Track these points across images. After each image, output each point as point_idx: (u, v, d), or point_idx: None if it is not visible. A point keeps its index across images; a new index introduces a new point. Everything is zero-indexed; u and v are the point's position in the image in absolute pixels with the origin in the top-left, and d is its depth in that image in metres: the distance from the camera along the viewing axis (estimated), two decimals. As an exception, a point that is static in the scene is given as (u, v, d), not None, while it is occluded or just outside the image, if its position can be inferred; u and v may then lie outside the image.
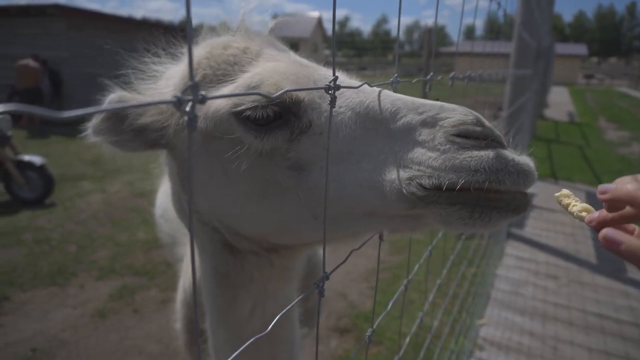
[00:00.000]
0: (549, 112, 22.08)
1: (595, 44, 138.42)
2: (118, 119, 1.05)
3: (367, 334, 1.14)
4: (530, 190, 0.79)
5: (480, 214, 0.80)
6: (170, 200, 2.69)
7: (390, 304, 1.37)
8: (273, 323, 0.80)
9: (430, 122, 0.83)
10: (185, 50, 1.14)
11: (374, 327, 1.17)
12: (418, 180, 0.80)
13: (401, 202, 0.83)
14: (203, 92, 0.48)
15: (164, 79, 1.13)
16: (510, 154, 0.81)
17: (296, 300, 0.94)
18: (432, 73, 1.24)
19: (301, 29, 61.69)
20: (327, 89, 0.78)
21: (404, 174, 0.82)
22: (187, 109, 0.47)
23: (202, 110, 0.96)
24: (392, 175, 0.83)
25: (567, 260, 5.73)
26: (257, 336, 0.77)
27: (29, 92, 14.51)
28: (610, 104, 28.01)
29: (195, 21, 1.17)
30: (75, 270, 5.34)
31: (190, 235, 0.54)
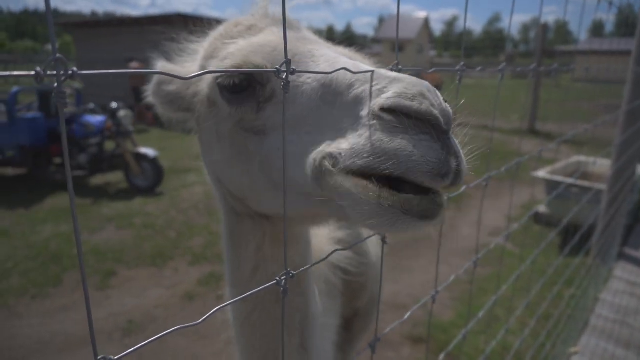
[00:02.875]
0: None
1: None
2: (159, 84, 1.24)
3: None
4: None
5: (380, 214, 0.74)
6: None
7: (408, 314, 1.29)
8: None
9: (376, 94, 0.80)
10: (210, 30, 1.28)
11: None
12: (330, 159, 0.80)
13: (314, 178, 0.83)
14: (74, 68, 0.49)
15: (193, 53, 1.30)
16: (434, 144, 0.73)
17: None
18: (462, 63, 1.13)
19: (407, 30, 60.71)
20: (277, 72, 0.76)
21: (328, 148, 0.82)
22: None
23: (205, 79, 1.09)
24: (320, 147, 0.83)
25: (695, 291, 4.88)
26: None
27: (137, 90, 16.54)
28: None
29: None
30: (172, 255, 5.86)
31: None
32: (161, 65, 1.25)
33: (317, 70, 0.91)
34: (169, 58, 1.31)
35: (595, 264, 5.09)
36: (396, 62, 0.95)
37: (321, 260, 1.07)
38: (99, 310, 4.60)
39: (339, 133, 0.82)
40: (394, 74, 0.83)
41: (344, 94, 0.85)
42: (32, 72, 0.47)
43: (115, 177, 9.23)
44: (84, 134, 8.36)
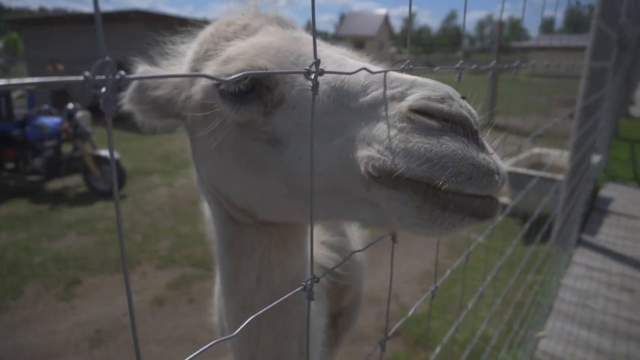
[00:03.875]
0: (635, 110, 20.19)
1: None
2: (142, 89, 1.15)
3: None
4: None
5: (430, 214, 0.72)
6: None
7: (412, 311, 1.30)
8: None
9: (399, 97, 0.78)
10: (197, 30, 1.21)
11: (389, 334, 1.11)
12: (372, 161, 0.75)
13: (361, 181, 0.79)
14: (122, 72, 0.47)
15: (179, 56, 1.23)
16: (471, 150, 0.71)
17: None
18: (461, 61, 1.15)
19: (368, 27, 61.39)
20: (307, 73, 0.73)
21: (365, 152, 0.77)
22: (104, 89, 0.46)
23: (200, 82, 1.02)
24: (355, 153, 0.79)
25: (647, 273, 5.19)
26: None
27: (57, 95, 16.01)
28: None
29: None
30: (139, 259, 5.68)
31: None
32: (143, 69, 1.16)
33: (327, 69, 0.88)
34: (151, 61, 1.22)
35: (556, 250, 5.31)
36: (407, 60, 0.95)
37: (345, 260, 1.06)
38: (64, 320, 4.41)
39: (367, 138, 0.78)
40: (412, 77, 0.81)
41: (359, 96, 0.82)
42: (81, 78, 0.44)
43: (74, 181, 8.86)
44: (38, 137, 7.96)
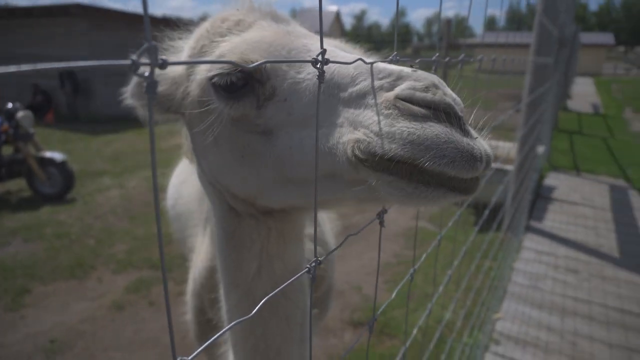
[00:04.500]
0: (572, 104, 21.52)
1: (622, 33, 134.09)
2: (143, 86, 1.15)
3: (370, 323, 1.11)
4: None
5: (414, 190, 0.77)
6: (181, 190, 2.70)
7: (395, 293, 1.35)
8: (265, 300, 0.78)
9: (387, 87, 0.82)
10: (193, 27, 1.22)
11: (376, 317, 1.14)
12: (359, 144, 0.79)
13: (350, 165, 0.82)
14: (164, 57, 0.47)
15: (177, 52, 1.23)
16: (455, 134, 0.74)
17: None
18: (437, 54, 1.20)
19: (318, 24, 61.43)
20: (314, 62, 0.76)
21: (352, 135, 0.81)
22: (146, 74, 0.47)
23: (197, 78, 1.03)
24: (343, 138, 0.83)
25: (589, 254, 5.58)
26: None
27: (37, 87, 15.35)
28: (638, 95, 27.12)
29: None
30: (93, 264, 5.44)
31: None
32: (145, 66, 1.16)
33: (306, 70, 0.91)
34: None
35: (507, 237, 5.60)
36: (394, 52, 0.99)
37: (341, 244, 1.08)
38: (13, 332, 4.16)
39: (355, 124, 0.82)
40: (399, 68, 0.85)
41: (348, 87, 0.86)
42: (129, 61, 0.45)
43: (17, 185, 8.33)
44: (-25, 139, 7.42)
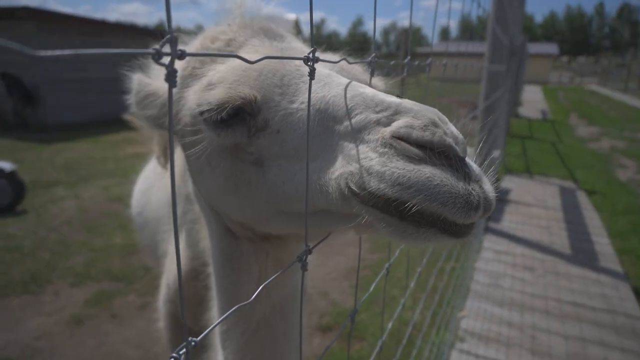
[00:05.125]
0: (522, 110, 22.58)
1: (565, 43, 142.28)
2: (138, 102, 1.16)
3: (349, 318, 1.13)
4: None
5: (406, 229, 0.75)
6: (149, 196, 2.64)
7: (373, 286, 1.39)
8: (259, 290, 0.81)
9: (384, 122, 0.79)
10: (188, 39, 1.20)
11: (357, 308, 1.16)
12: (352, 178, 0.77)
13: (342, 198, 0.80)
14: (182, 48, 0.48)
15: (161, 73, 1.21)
16: (450, 178, 0.71)
17: (280, 272, 0.93)
18: (409, 57, 1.26)
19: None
20: (305, 60, 0.77)
21: (346, 169, 0.79)
22: (167, 62, 0.48)
23: (186, 105, 1.01)
24: (337, 172, 0.80)
25: (543, 252, 5.86)
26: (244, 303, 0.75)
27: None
28: (581, 101, 28.83)
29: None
30: (49, 278, 5.19)
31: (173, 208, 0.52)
32: (137, 78, 1.14)
33: (304, 94, 0.89)
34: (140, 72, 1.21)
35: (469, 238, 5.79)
36: (373, 54, 1.01)
37: (322, 240, 1.07)
38: (-39, 353, 3.90)
39: (349, 158, 0.79)
40: (398, 100, 0.82)
41: (344, 120, 0.83)
42: (152, 50, 0.46)
43: (-40, 197, 7.82)
44: None
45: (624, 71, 42.70)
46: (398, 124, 0.76)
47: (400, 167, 0.72)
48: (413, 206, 0.70)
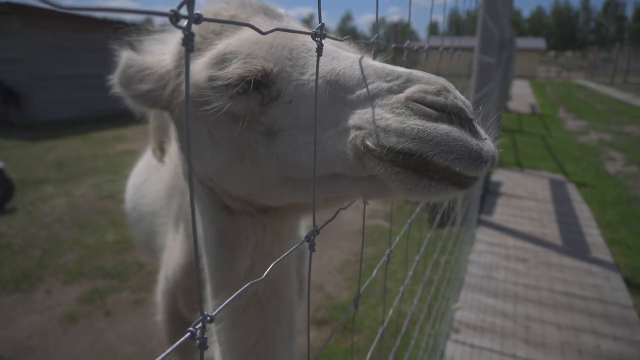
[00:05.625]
0: (512, 105, 22.76)
1: (552, 38, 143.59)
2: (128, 78, 1.11)
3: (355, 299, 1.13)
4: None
5: (418, 182, 0.79)
6: (143, 191, 2.62)
7: (375, 271, 1.39)
8: (268, 270, 0.83)
9: (396, 90, 0.83)
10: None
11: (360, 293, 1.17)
12: (368, 137, 0.80)
13: (356, 158, 0.83)
14: (199, 12, 0.47)
15: (162, 44, 1.18)
16: (464, 134, 0.77)
17: (291, 250, 0.94)
18: (408, 41, 1.26)
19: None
20: (313, 35, 0.78)
21: (360, 132, 0.82)
22: (184, 24, 0.48)
23: (192, 79, 0.98)
24: (351, 135, 0.83)
25: (535, 244, 5.93)
26: (254, 281, 0.74)
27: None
28: (568, 95, 29.12)
29: (158, 20, 1.21)
30: (41, 275, 5.13)
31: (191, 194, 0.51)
32: (127, 55, 1.10)
33: (313, 67, 0.91)
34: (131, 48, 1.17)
35: (461, 231, 5.83)
36: (376, 35, 1.01)
37: (331, 219, 1.08)
38: (-47, 352, 3.84)
39: (363, 122, 0.82)
40: (408, 70, 0.85)
41: (356, 89, 0.86)
42: (169, 11, 0.45)
43: (-53, 196, 7.69)
44: None
45: (610, 65, 43.25)
46: (412, 90, 0.80)
47: (419, 124, 0.77)
48: (432, 157, 0.75)
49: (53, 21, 16.00)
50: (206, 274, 1.31)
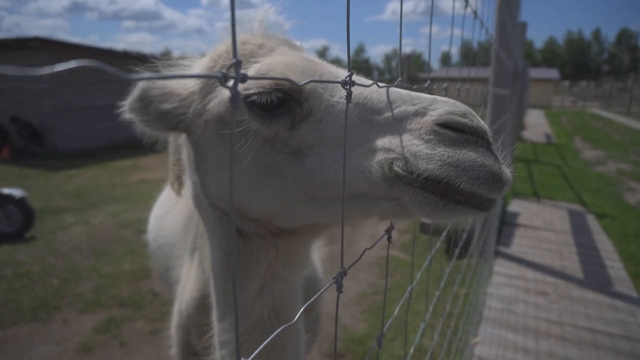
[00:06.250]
0: (526, 134, 22.67)
1: (566, 68, 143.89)
2: (146, 101, 1.14)
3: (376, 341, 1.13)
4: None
5: (444, 206, 0.83)
6: (163, 223, 2.65)
7: (397, 309, 1.38)
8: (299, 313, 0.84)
9: (422, 112, 0.88)
10: (199, 53, 1.25)
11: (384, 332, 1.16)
12: (397, 162, 0.84)
13: (384, 181, 0.87)
14: (244, 71, 0.51)
15: (188, 71, 1.23)
16: (488, 159, 0.83)
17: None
18: (428, 82, 1.29)
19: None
20: (343, 83, 0.83)
21: (389, 155, 0.86)
22: (230, 84, 0.51)
23: (218, 96, 1.04)
24: (378, 157, 0.88)
25: (555, 276, 5.79)
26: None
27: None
28: (584, 125, 28.93)
29: (176, 52, 1.27)
30: (58, 305, 5.16)
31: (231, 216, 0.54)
32: (144, 83, 1.15)
33: (343, 91, 0.96)
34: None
35: (479, 263, 5.74)
36: (400, 78, 1.05)
37: (357, 260, 1.08)
38: (-30, 382, 3.86)
39: (391, 145, 0.87)
40: (431, 96, 0.91)
41: (384, 112, 0.91)
42: (219, 74, 0.49)
43: (-30, 224, 7.86)
44: None
45: (625, 95, 43.02)
46: (439, 112, 0.86)
47: (448, 151, 0.82)
48: (461, 184, 0.80)
49: (78, 56, 16.65)
50: (213, 298, 1.32)
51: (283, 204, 1.05)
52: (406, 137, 0.86)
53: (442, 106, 0.87)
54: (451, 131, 0.83)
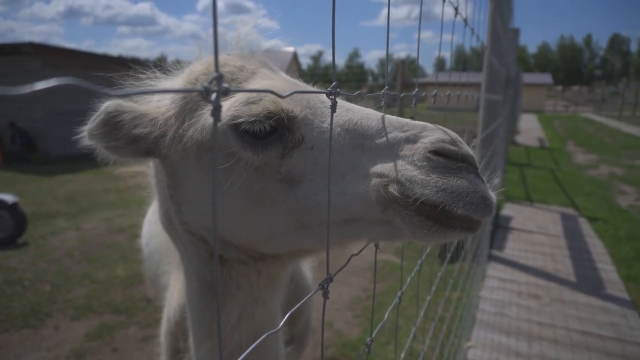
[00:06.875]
0: (520, 138, 22.81)
1: (559, 73, 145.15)
2: (114, 127, 1.06)
3: (367, 342, 1.13)
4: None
5: (437, 229, 0.87)
6: (155, 228, 2.65)
7: (387, 314, 1.38)
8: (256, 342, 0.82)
9: (412, 139, 0.90)
10: (176, 67, 1.20)
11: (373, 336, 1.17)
12: (393, 185, 0.87)
13: (378, 203, 0.89)
14: (226, 85, 0.52)
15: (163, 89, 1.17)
16: (478, 184, 0.86)
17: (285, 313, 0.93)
18: (386, 87, 1.31)
19: (277, 64, 62.56)
20: (328, 93, 0.85)
21: (383, 180, 0.88)
22: (213, 99, 0.52)
23: (200, 122, 1.00)
24: (372, 181, 0.89)
25: (548, 280, 5.82)
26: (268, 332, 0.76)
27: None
28: (577, 129, 29.15)
29: (171, 57, 1.25)
30: (50, 311, 5.12)
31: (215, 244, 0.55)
32: (115, 103, 1.06)
33: (335, 114, 0.96)
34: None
35: (471, 266, 5.76)
36: (385, 87, 1.06)
37: (343, 266, 1.08)
38: (-41, 390, 3.81)
39: (385, 170, 0.89)
40: (422, 122, 0.94)
41: (375, 138, 0.92)
42: (202, 89, 0.50)
43: (-39, 230, 7.79)
44: None
45: (617, 99, 43.43)
46: (430, 139, 0.89)
47: (442, 177, 0.85)
48: (455, 209, 0.83)
49: (72, 61, 16.58)
50: (189, 325, 1.28)
51: (271, 231, 1.03)
52: (399, 163, 0.88)
53: (433, 134, 0.90)
54: (443, 158, 0.87)
